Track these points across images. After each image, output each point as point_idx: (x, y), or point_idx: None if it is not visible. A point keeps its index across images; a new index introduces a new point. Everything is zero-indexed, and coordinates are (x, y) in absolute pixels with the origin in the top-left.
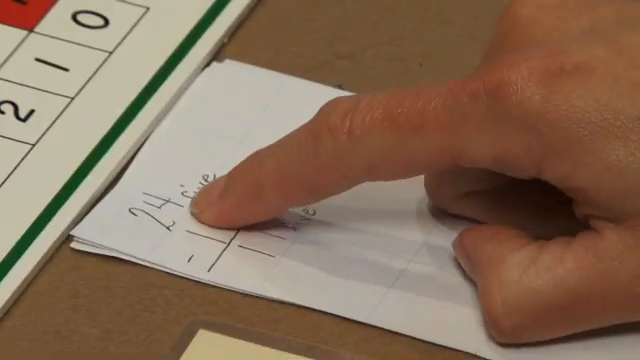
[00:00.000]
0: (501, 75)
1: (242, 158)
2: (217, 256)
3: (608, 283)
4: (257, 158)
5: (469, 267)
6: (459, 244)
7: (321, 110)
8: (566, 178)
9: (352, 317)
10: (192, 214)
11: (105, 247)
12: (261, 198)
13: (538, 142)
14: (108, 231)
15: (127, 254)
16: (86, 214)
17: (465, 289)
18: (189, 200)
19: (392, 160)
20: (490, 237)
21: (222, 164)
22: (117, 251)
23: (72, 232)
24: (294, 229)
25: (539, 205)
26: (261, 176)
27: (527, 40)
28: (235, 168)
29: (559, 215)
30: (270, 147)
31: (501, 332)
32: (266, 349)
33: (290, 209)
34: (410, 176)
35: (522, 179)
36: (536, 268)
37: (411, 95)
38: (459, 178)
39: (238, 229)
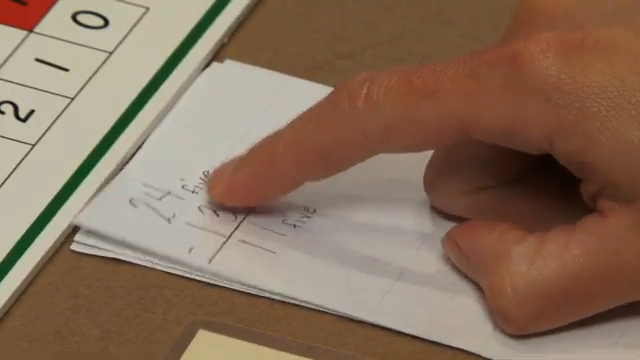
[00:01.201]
0: (520, 45)
1: None
2: (217, 249)
3: (614, 265)
4: (274, 133)
5: (464, 263)
6: (450, 241)
7: (341, 82)
8: (577, 153)
9: (353, 314)
10: (209, 192)
11: (106, 238)
12: (274, 168)
13: (552, 113)
14: (109, 220)
15: (128, 245)
16: None
17: (466, 287)
18: (189, 193)
19: (407, 126)
20: (487, 231)
21: (224, 159)
22: (118, 244)
23: (74, 220)
24: (294, 226)
25: (537, 205)
26: (276, 147)
27: (547, 22)
28: (253, 145)
29: (557, 215)
30: (290, 122)
31: (512, 324)
32: (266, 349)
33: (290, 209)
34: (423, 147)
35: (519, 178)
36: (543, 258)
37: (431, 64)
38: (458, 173)
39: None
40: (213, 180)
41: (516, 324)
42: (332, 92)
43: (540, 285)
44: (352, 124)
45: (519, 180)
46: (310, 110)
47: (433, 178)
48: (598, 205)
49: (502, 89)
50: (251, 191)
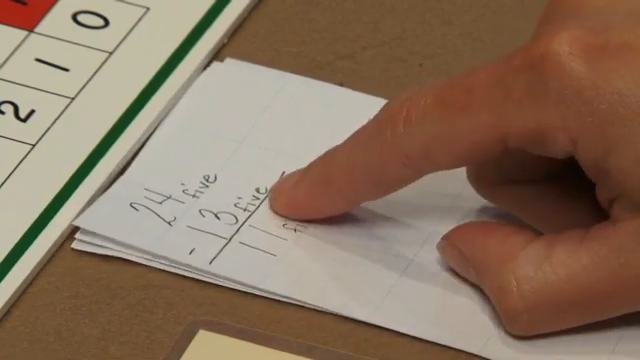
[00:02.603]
0: (543, 47)
1: (244, 157)
2: (218, 250)
3: (623, 275)
4: (330, 152)
5: (464, 267)
6: (447, 245)
7: (388, 101)
8: (597, 161)
9: (353, 316)
10: (268, 200)
11: (107, 238)
12: (330, 190)
13: (575, 119)
14: (110, 222)
15: (129, 246)
16: None
17: (466, 288)
18: (190, 197)
19: (445, 143)
20: (489, 234)
21: (224, 163)
22: (119, 244)
23: (75, 222)
24: (295, 231)
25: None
26: (331, 168)
27: (576, 14)
28: (312, 162)
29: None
30: (343, 142)
31: (518, 327)
32: (266, 349)
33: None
34: (464, 163)
35: (563, 177)
36: (551, 264)
37: (462, 76)
38: (502, 162)
39: (243, 220)
40: (275, 193)
41: (523, 326)
42: (378, 113)
43: (547, 291)
44: (395, 148)
45: (556, 178)
46: (360, 131)
47: (475, 167)
48: (612, 213)
49: (527, 96)
50: (311, 208)
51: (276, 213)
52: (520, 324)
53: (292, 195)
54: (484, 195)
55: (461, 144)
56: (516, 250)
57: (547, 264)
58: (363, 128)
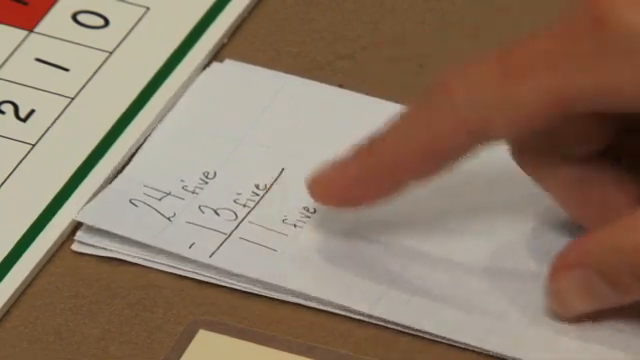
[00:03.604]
0: (604, 5)
1: (244, 157)
2: (218, 245)
3: None
4: (375, 136)
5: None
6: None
7: (438, 77)
8: None
9: (353, 308)
10: (311, 194)
11: (107, 235)
12: (377, 171)
13: None
14: (110, 217)
15: (129, 240)
16: None
17: (467, 284)
18: (189, 194)
19: (506, 110)
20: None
21: (224, 160)
22: (119, 241)
23: (76, 217)
24: (295, 226)
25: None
26: (381, 150)
27: None
28: (353, 150)
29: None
30: (388, 125)
31: None
32: (266, 349)
33: (292, 207)
34: (524, 131)
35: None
36: None
37: (519, 42)
38: (551, 136)
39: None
40: (313, 180)
41: None
42: (425, 91)
43: None
44: (453, 117)
45: (602, 165)
46: (407, 111)
47: (521, 143)
48: None
49: (592, 54)
50: (360, 193)
51: (317, 200)
52: None
53: (339, 183)
54: (528, 172)
55: (523, 111)
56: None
57: None
58: (411, 107)
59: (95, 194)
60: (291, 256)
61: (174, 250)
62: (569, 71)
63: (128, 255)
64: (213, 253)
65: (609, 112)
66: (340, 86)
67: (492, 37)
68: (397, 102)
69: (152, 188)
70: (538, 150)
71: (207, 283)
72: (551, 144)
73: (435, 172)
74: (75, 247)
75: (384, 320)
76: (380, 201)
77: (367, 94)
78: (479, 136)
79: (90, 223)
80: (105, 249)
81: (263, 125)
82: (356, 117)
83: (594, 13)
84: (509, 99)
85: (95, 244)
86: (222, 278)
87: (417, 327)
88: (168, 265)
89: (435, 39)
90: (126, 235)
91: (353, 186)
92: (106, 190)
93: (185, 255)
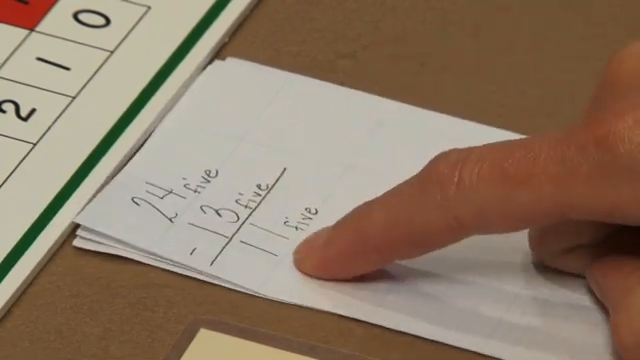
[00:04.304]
0: (608, 126)
1: (245, 153)
2: (219, 250)
3: None
4: (364, 209)
5: (601, 295)
6: (590, 275)
7: (431, 161)
8: None
9: (354, 315)
10: (294, 260)
11: (109, 237)
12: (365, 249)
13: None
14: (111, 219)
15: (130, 245)
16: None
17: (467, 287)
18: (191, 192)
19: (501, 212)
20: (617, 268)
21: (225, 158)
22: (120, 242)
23: (76, 219)
24: (296, 229)
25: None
26: (367, 226)
27: (633, 92)
28: (341, 219)
29: None
30: (377, 198)
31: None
32: (267, 348)
33: (293, 208)
34: (520, 229)
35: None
36: None
37: (521, 147)
38: (563, 232)
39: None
40: (301, 254)
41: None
42: (422, 173)
43: None
44: (445, 212)
45: (615, 236)
46: (401, 190)
47: (536, 239)
48: None
49: (594, 172)
50: (343, 268)
51: (303, 273)
52: (633, 358)
53: (322, 256)
54: (549, 263)
55: (519, 214)
56: (633, 286)
57: None
58: (403, 187)
59: (96, 193)
60: (291, 263)
61: (175, 258)
62: (569, 186)
63: (130, 252)
64: (214, 260)
65: (611, 222)
66: (341, 85)
67: (493, 36)
68: (398, 101)
69: (154, 185)
70: (550, 244)
71: (208, 282)
72: (559, 240)
73: (420, 255)
74: (77, 243)
75: (383, 328)
76: (367, 272)
77: (368, 93)
78: (469, 232)
79: (90, 226)
80: (107, 245)
81: (265, 123)
82: (358, 115)
83: (597, 131)
84: (505, 202)
85: (97, 240)
86: (223, 282)
87: (418, 334)
88: (170, 263)
89: (436, 38)
90: (127, 240)
91: (336, 260)
92: (108, 187)
93: (186, 263)
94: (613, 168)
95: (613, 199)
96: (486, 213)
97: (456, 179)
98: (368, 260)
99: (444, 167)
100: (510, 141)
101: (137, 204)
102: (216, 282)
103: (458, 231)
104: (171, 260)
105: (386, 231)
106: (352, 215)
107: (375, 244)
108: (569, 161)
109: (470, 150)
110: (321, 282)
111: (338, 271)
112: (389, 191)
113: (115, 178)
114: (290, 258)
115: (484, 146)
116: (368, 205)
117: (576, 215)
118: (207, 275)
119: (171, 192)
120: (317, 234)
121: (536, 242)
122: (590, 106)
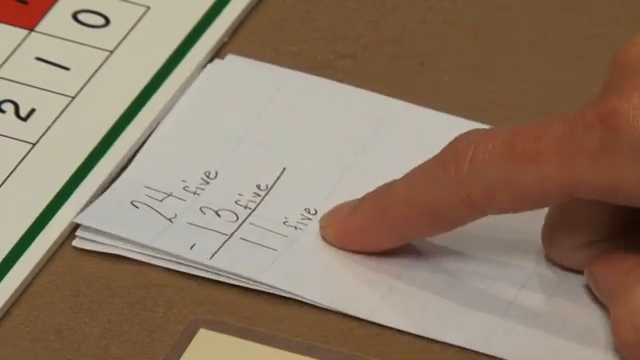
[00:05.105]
0: (613, 104)
1: (245, 154)
2: (219, 246)
3: None
4: (388, 185)
5: (599, 292)
6: (589, 272)
7: (452, 140)
8: None
9: (353, 313)
10: (319, 228)
11: (108, 236)
12: (385, 224)
13: None
14: (111, 219)
15: (129, 242)
16: None
17: (466, 286)
18: (190, 194)
19: (509, 189)
20: (619, 264)
21: (225, 159)
22: (119, 240)
23: (76, 219)
24: (295, 228)
25: None
26: (388, 202)
27: None
28: (368, 193)
29: None
30: (403, 176)
31: (635, 357)
32: (267, 348)
33: (293, 208)
34: (528, 208)
35: (628, 232)
36: None
37: (534, 125)
38: (576, 226)
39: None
40: (326, 221)
41: (638, 357)
42: (442, 151)
43: None
44: (458, 187)
45: (628, 233)
46: (422, 167)
47: (549, 235)
48: None
49: (598, 150)
50: (362, 240)
51: (325, 241)
52: (635, 355)
53: (345, 225)
54: (562, 261)
55: (526, 190)
56: (633, 283)
57: None
58: (425, 164)
59: (96, 193)
60: (291, 257)
61: (174, 251)
62: (574, 164)
63: (129, 250)
64: (214, 254)
65: (616, 203)
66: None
67: (493, 36)
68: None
69: (154, 189)
70: (562, 240)
71: (208, 282)
72: (571, 236)
73: (436, 233)
74: (76, 243)
75: (385, 326)
76: (380, 250)
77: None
78: (481, 208)
79: (90, 225)
80: (106, 244)
81: (265, 122)
82: (359, 113)
83: (604, 110)
84: (513, 178)
85: (96, 240)
86: (223, 276)
87: (417, 332)
88: (169, 259)
89: (436, 38)
90: (126, 237)
91: (357, 232)
92: (107, 192)
93: (186, 256)
94: (616, 146)
95: (616, 177)
96: (495, 189)
97: (470, 155)
98: (388, 235)
99: (462, 145)
100: (527, 122)
101: (136, 207)
102: (216, 276)
103: (470, 207)
104: (170, 254)
105: (405, 206)
106: (377, 189)
107: (394, 219)
108: (575, 138)
109: (487, 129)
110: (322, 276)
111: (359, 243)
112: (413, 169)
113: (114, 183)
114: (291, 252)
115: (501, 126)
116: (392, 182)
117: (581, 194)
118: (207, 268)
119: (170, 195)
120: (345, 203)
121: (548, 238)
122: (602, 89)
